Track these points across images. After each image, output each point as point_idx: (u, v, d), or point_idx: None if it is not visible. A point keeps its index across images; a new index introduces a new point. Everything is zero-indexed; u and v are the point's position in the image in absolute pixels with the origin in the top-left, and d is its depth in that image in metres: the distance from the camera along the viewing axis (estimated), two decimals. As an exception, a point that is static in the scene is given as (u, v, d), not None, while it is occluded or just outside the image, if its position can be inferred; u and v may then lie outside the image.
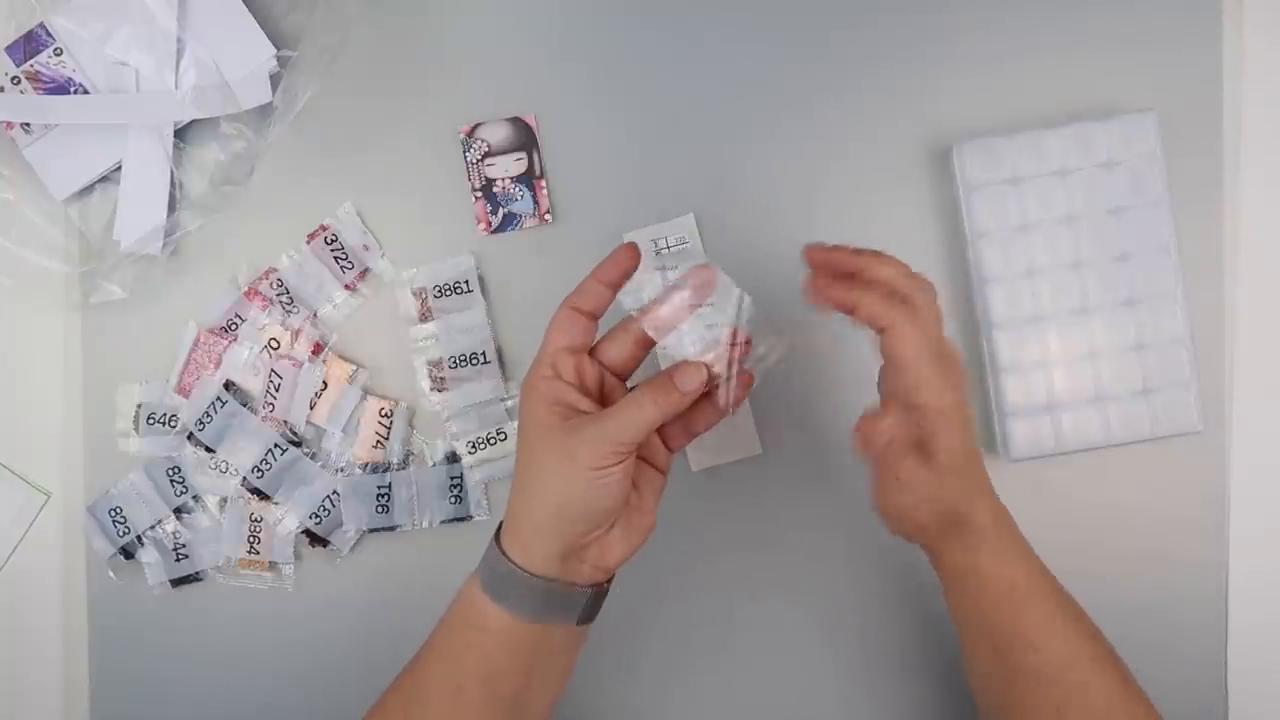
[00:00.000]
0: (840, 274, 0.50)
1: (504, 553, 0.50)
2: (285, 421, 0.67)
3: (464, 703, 0.51)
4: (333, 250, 0.67)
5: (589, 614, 0.52)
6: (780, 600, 0.66)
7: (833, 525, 0.65)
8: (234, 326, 0.67)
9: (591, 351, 0.52)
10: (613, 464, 0.48)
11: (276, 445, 0.66)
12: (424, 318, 0.67)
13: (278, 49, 0.65)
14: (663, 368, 0.53)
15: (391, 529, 0.67)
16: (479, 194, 0.67)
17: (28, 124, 0.66)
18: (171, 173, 0.66)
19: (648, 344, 0.52)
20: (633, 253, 0.51)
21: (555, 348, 0.51)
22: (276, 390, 0.67)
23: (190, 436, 0.67)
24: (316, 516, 0.67)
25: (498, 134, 0.67)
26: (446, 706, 0.51)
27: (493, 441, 0.67)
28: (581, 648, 0.54)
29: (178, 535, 0.68)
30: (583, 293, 0.51)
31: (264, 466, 0.66)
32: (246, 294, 0.68)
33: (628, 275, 0.51)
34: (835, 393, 0.66)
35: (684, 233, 0.66)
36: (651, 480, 0.53)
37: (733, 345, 0.50)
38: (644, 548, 0.53)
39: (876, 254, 0.50)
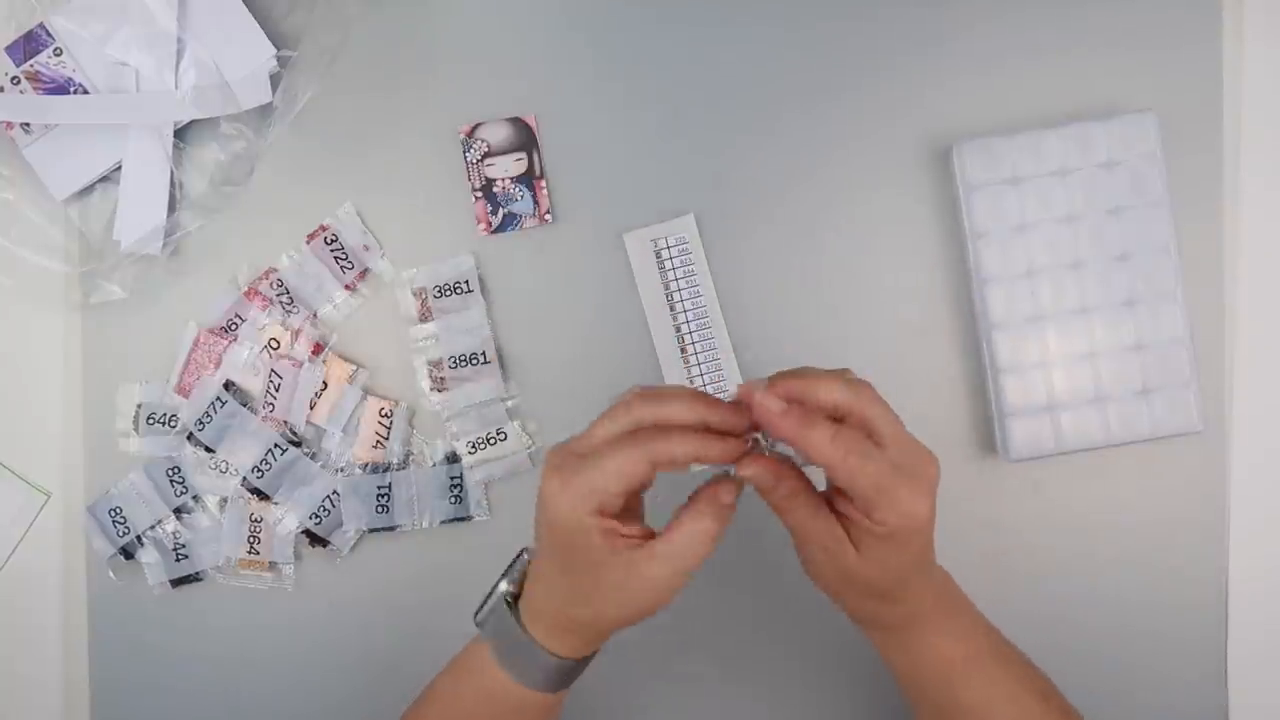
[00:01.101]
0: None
1: (539, 644, 0.49)
2: (285, 421, 0.67)
3: None
4: (333, 250, 0.67)
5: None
6: (780, 600, 0.66)
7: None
8: (234, 326, 0.67)
9: None
10: (671, 591, 0.47)
11: (276, 445, 0.66)
12: (424, 318, 0.67)
13: (278, 49, 0.65)
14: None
15: (391, 529, 0.67)
16: (479, 194, 0.67)
17: (28, 124, 0.66)
18: (171, 173, 0.66)
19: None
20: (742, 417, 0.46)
21: (612, 491, 0.45)
22: (276, 390, 0.67)
23: (190, 436, 0.67)
24: (316, 516, 0.67)
25: (498, 134, 0.67)
26: None
27: (493, 441, 0.67)
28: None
29: (178, 535, 0.68)
30: (672, 453, 0.45)
31: (264, 466, 0.66)
32: (246, 294, 0.68)
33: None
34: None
35: (684, 233, 0.66)
36: None
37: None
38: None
39: (812, 376, 0.47)
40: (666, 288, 0.66)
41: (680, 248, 0.66)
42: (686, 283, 0.66)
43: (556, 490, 0.45)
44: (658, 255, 0.66)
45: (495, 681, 0.50)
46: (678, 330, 0.66)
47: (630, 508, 0.48)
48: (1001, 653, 0.52)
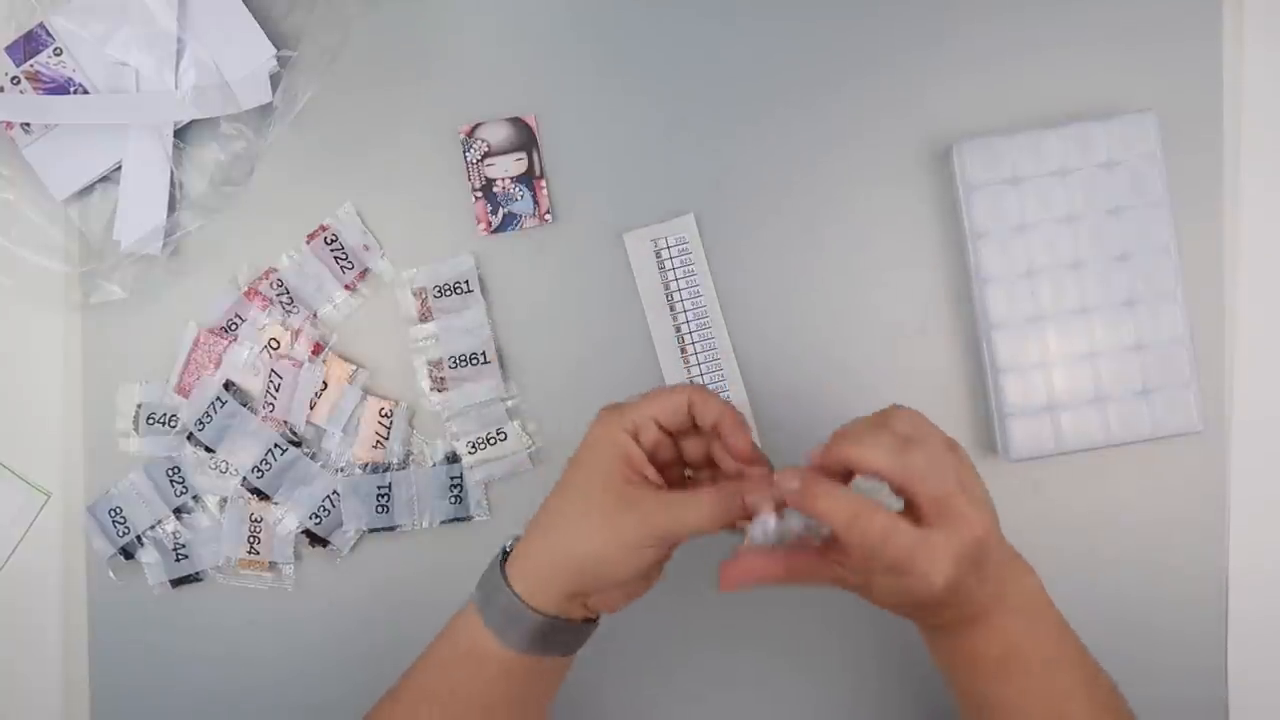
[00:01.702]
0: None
1: (510, 585, 0.50)
2: (285, 421, 0.67)
3: None
4: (333, 250, 0.67)
5: (579, 645, 0.53)
6: (781, 609, 0.66)
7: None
8: (234, 326, 0.67)
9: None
10: (654, 548, 0.48)
11: (276, 445, 0.66)
12: (424, 318, 0.67)
13: (278, 49, 0.65)
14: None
15: (391, 529, 0.67)
16: (479, 194, 0.67)
17: (28, 124, 0.66)
18: (171, 173, 0.66)
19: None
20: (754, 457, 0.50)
21: (649, 415, 0.50)
22: (276, 390, 0.67)
23: (190, 436, 0.67)
24: (316, 516, 0.67)
25: (498, 134, 0.67)
26: None
27: (493, 441, 0.67)
28: (568, 672, 0.54)
29: (178, 535, 0.68)
30: (705, 405, 0.50)
31: (264, 466, 0.66)
32: (246, 294, 0.68)
33: (738, 450, 0.50)
34: (839, 406, 0.66)
35: (684, 233, 0.66)
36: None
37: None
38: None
39: (856, 442, 0.46)
40: (666, 288, 0.66)
41: (680, 248, 0.66)
42: (686, 283, 0.66)
43: (602, 418, 0.50)
44: (658, 255, 0.66)
45: (474, 639, 0.51)
46: (678, 330, 0.66)
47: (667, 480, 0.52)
48: (1056, 659, 0.50)
